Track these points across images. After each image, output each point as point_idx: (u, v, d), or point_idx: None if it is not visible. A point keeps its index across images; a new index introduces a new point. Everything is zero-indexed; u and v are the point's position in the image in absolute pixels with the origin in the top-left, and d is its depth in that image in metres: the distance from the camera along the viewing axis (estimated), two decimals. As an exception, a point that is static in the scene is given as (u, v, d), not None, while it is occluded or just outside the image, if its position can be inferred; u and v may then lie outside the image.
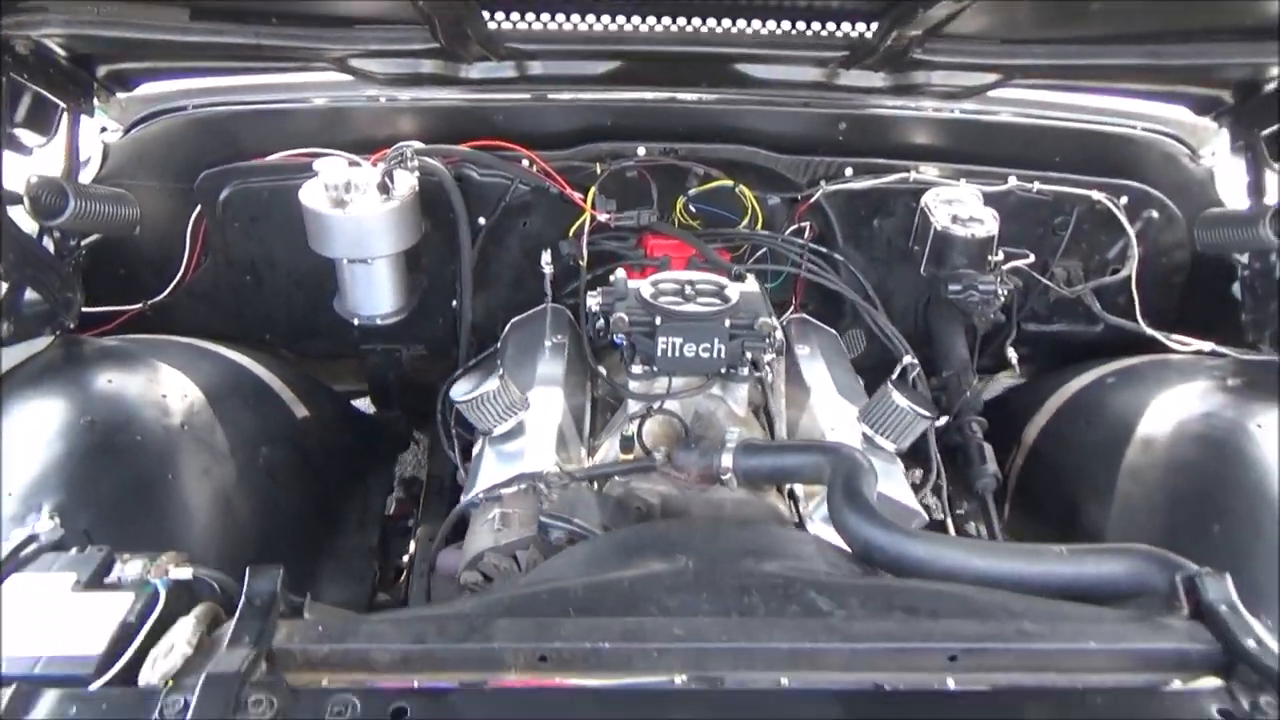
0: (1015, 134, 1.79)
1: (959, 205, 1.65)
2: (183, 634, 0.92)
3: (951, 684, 0.84)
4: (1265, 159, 1.56)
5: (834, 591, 0.95)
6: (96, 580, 0.97)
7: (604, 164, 1.70)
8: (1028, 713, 0.83)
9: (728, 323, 1.40)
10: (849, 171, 1.74)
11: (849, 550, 1.11)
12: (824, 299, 1.87)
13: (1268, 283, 1.58)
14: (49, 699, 0.79)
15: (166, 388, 1.48)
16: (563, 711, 0.81)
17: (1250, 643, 0.86)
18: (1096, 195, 1.74)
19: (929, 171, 1.74)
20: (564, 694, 0.83)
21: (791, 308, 1.86)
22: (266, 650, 0.82)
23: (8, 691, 0.81)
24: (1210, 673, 0.86)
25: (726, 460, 1.29)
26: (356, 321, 1.67)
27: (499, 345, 1.72)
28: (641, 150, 1.71)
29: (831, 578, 1.01)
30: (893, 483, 1.38)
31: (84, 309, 1.64)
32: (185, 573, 0.99)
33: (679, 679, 0.82)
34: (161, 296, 1.76)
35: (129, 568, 1.00)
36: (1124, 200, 1.75)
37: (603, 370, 1.56)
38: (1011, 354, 1.80)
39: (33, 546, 1.02)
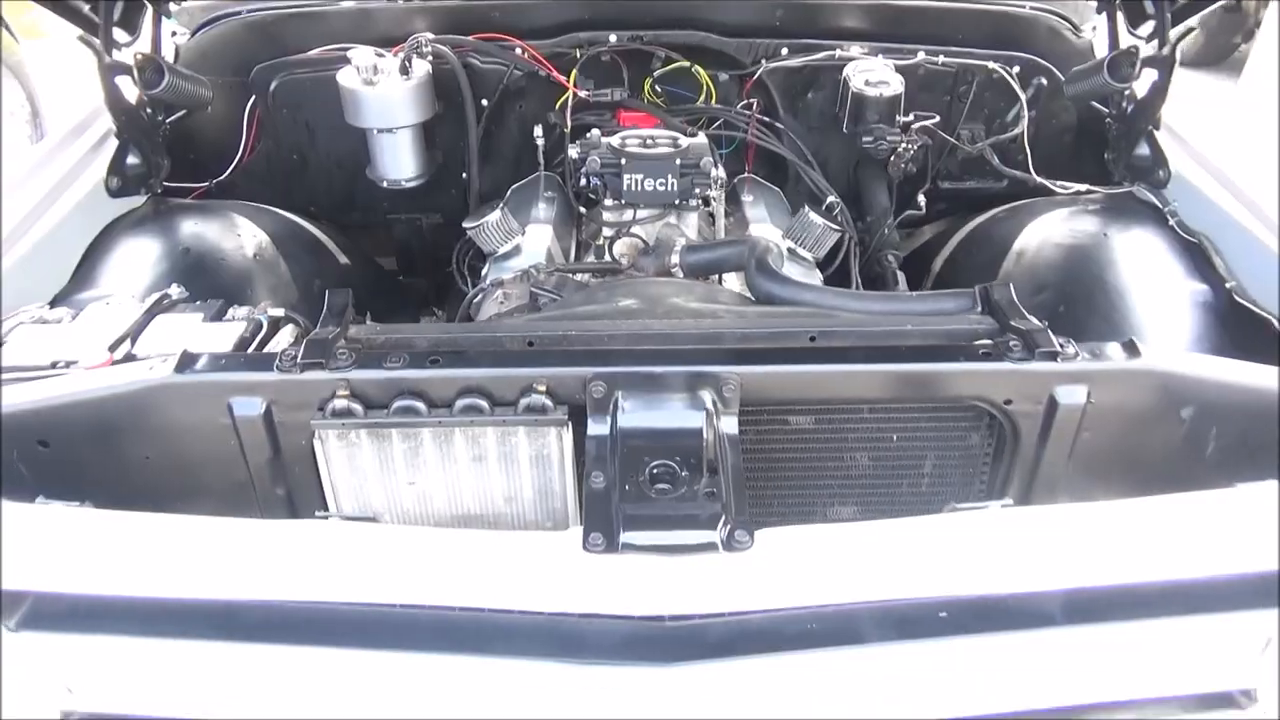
0: (924, 16, 2.14)
1: (872, 73, 2.01)
2: (284, 339, 1.33)
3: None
4: (1116, 18, 1.92)
5: (736, 311, 1.34)
6: (217, 317, 1.38)
7: (583, 50, 2.08)
8: (856, 358, 1.22)
9: (678, 162, 1.79)
10: (785, 51, 2.10)
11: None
12: (771, 166, 2.24)
13: (1120, 124, 1.94)
14: (204, 360, 1.19)
15: (240, 230, 1.88)
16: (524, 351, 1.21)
17: (1016, 322, 1.25)
18: (992, 65, 2.09)
19: (852, 49, 2.10)
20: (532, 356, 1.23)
21: (744, 172, 2.24)
22: (344, 330, 1.22)
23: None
24: (988, 337, 1.25)
25: (675, 258, 1.68)
26: (385, 184, 2.06)
27: (502, 205, 2.11)
28: (613, 38, 2.08)
29: (736, 306, 1.41)
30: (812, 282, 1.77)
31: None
32: (279, 311, 1.40)
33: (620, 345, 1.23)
34: (224, 175, 2.15)
35: (238, 312, 1.41)
36: (1016, 69, 2.10)
37: (583, 209, 1.95)
38: (921, 200, 2.17)
39: (166, 300, 1.42)
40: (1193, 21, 1.82)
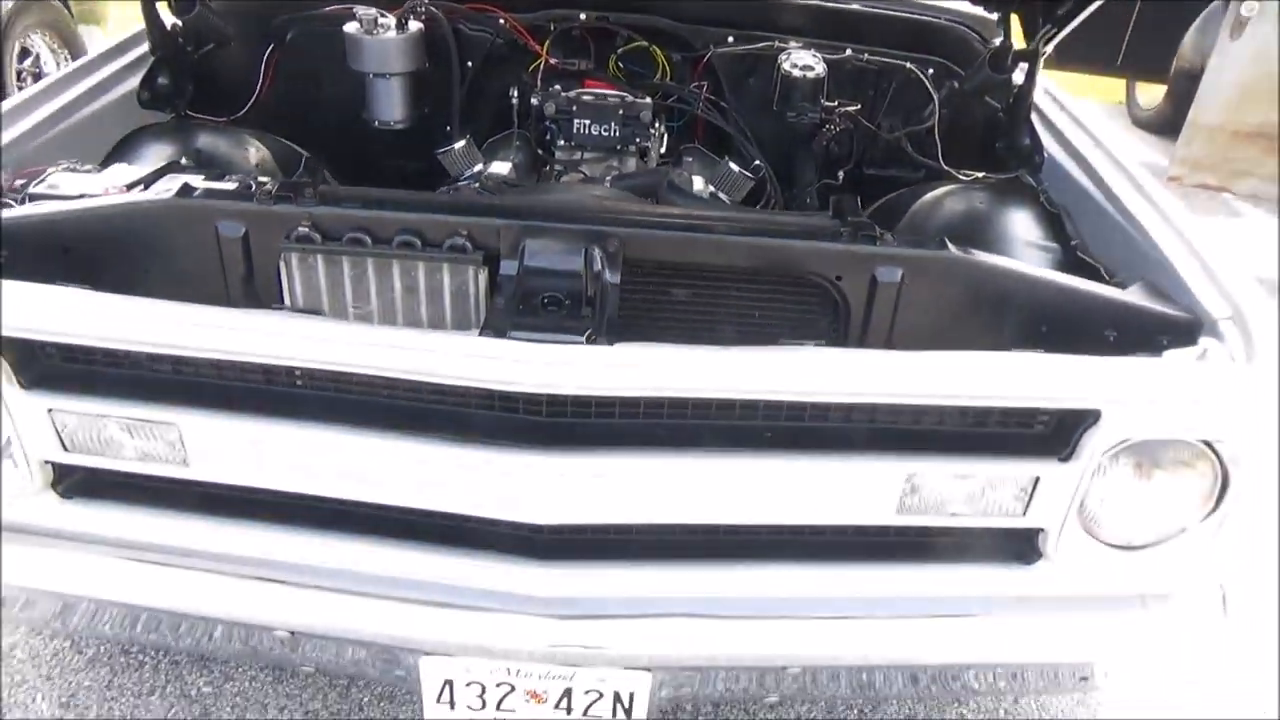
0: (854, 19, 2.48)
1: (802, 61, 2.34)
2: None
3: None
4: (1010, 26, 2.24)
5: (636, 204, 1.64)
6: (217, 179, 1.69)
7: (556, 24, 2.41)
8: (721, 231, 1.50)
9: (621, 112, 2.11)
10: (731, 39, 2.43)
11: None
12: (716, 142, 2.55)
13: (1006, 115, 2.25)
14: (199, 191, 1.49)
15: (249, 148, 2.19)
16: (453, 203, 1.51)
17: (852, 219, 1.54)
18: (910, 66, 2.42)
19: (790, 43, 2.43)
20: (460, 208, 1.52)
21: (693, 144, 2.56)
22: (314, 181, 1.53)
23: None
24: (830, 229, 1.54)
25: (607, 185, 1.99)
26: (376, 123, 2.38)
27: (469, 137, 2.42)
28: (583, 15, 2.41)
29: (638, 204, 1.71)
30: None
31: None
32: (266, 180, 1.70)
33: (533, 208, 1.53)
34: (241, 112, 2.48)
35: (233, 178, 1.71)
36: (930, 71, 2.42)
37: (539, 151, 2.27)
38: (840, 175, 2.48)
39: (176, 164, 1.73)
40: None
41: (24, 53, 4.27)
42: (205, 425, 1.39)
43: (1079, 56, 7.16)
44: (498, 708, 1.58)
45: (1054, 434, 1.42)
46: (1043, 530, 1.48)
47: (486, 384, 1.29)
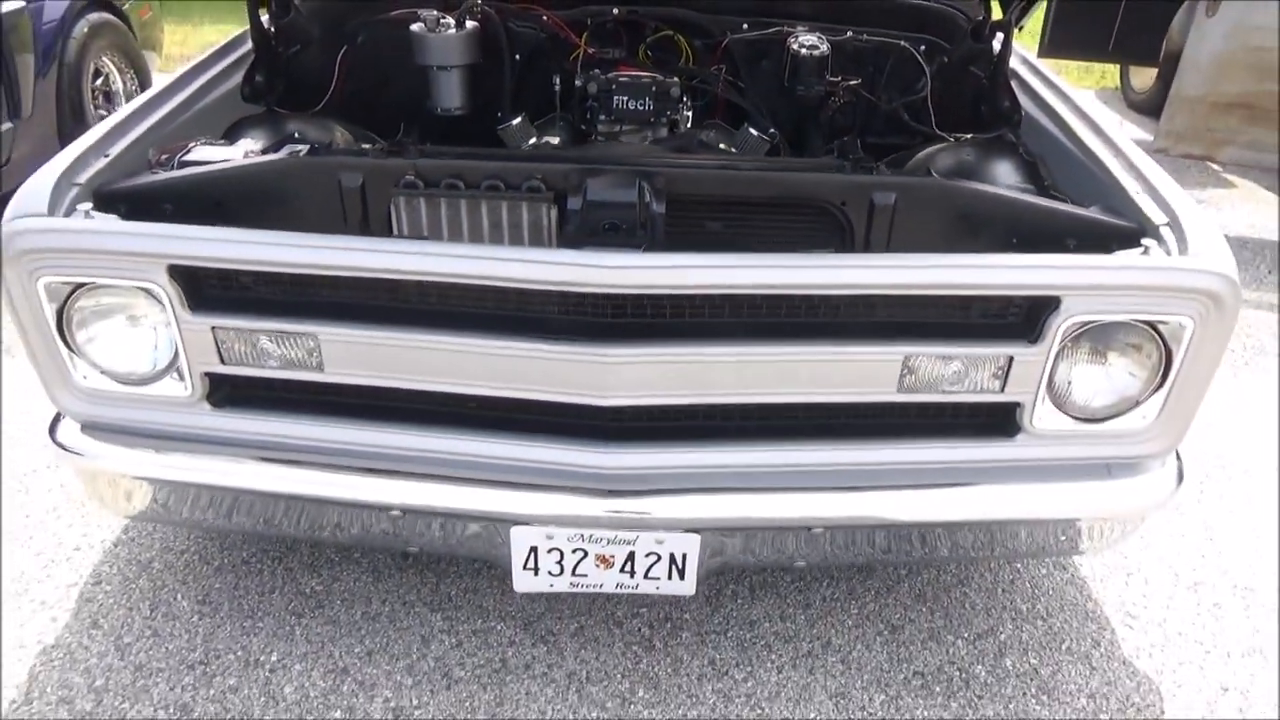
0: (854, 4, 2.81)
1: (808, 41, 2.68)
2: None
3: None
4: (988, 3, 2.57)
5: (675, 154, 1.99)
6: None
7: (592, 19, 2.76)
8: (747, 169, 1.84)
9: (654, 89, 2.45)
10: (745, 26, 2.78)
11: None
12: (734, 118, 2.89)
13: (988, 80, 2.58)
14: (325, 152, 1.84)
15: (334, 133, 2.54)
16: (529, 154, 1.86)
17: (854, 157, 1.87)
18: (904, 44, 2.75)
19: (798, 28, 2.77)
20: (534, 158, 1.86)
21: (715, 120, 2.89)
22: (415, 141, 1.88)
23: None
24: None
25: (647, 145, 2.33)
26: (439, 110, 2.74)
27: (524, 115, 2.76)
28: (615, 10, 2.76)
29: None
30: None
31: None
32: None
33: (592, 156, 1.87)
34: (319, 106, 2.84)
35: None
36: (922, 48, 2.75)
37: (582, 127, 2.61)
38: (844, 140, 2.81)
39: (290, 140, 2.08)
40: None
41: (96, 73, 4.68)
42: (338, 334, 1.73)
43: (1074, 45, 7.60)
44: (573, 572, 1.91)
45: (1024, 321, 1.74)
46: (1020, 405, 1.80)
47: (562, 287, 1.63)
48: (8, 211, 1.75)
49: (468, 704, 2.00)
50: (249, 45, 2.56)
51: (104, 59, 4.73)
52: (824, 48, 2.64)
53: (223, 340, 1.77)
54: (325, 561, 2.35)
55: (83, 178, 1.85)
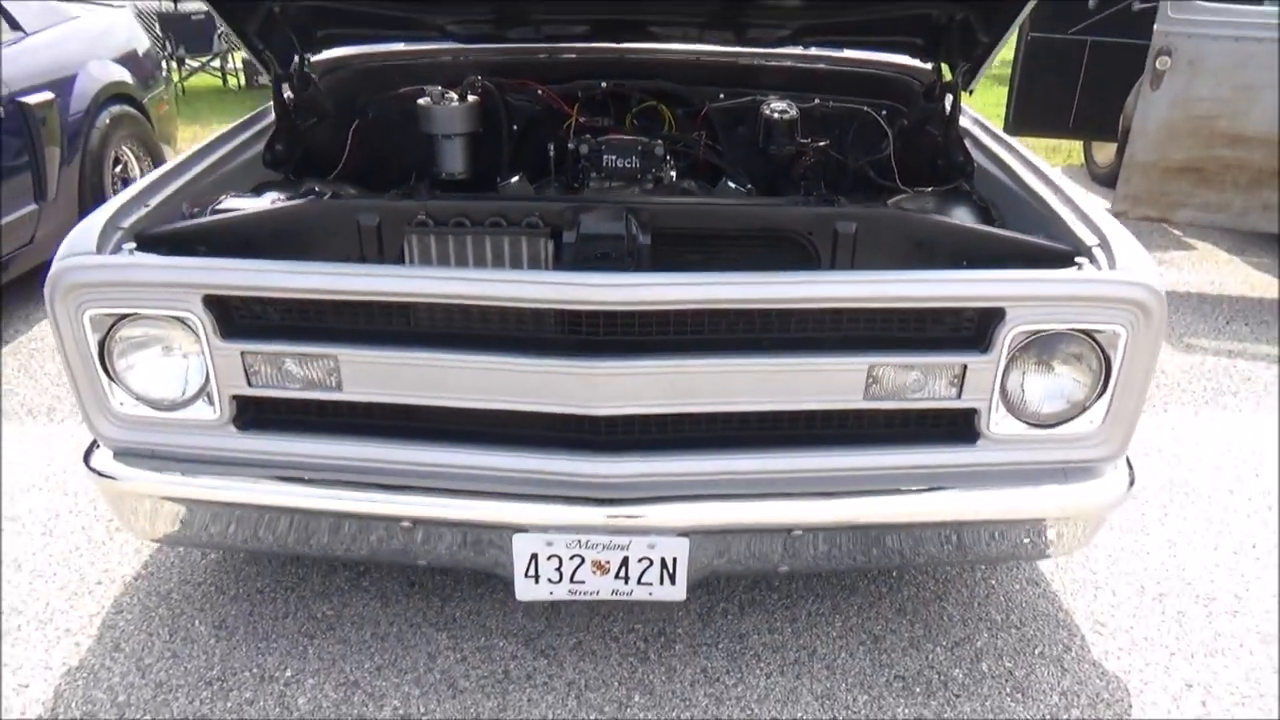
0: (820, 75, 3.10)
1: (779, 107, 2.94)
2: (386, 201, 2.20)
3: None
4: (939, 70, 2.85)
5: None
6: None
7: (583, 92, 3.03)
8: (725, 207, 2.05)
9: (640, 148, 2.70)
10: (722, 96, 3.05)
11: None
12: (715, 178, 3.14)
13: (943, 137, 2.83)
14: (345, 198, 2.06)
15: (348, 191, 2.78)
16: (529, 198, 2.08)
17: (818, 194, 2.10)
18: (867, 109, 3.02)
19: (770, 96, 3.04)
20: (532, 199, 2.08)
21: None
22: (426, 188, 2.10)
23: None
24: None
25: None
26: (444, 175, 2.98)
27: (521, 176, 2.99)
28: (604, 84, 3.04)
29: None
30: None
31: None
32: (381, 195, 2.28)
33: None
34: (334, 174, 3.08)
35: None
36: (883, 112, 3.02)
37: (575, 185, 2.85)
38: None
39: (313, 191, 2.30)
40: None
41: (115, 160, 4.97)
42: (356, 356, 1.91)
43: (1037, 123, 7.98)
44: (571, 579, 2.05)
45: (975, 333, 1.94)
46: (977, 411, 1.98)
47: (557, 305, 1.82)
48: (59, 252, 1.95)
49: (472, 710, 2.11)
50: (271, 118, 2.81)
51: (124, 148, 5.03)
52: (794, 112, 2.91)
53: (250, 364, 1.95)
54: (336, 589, 2.48)
55: (125, 223, 2.06)
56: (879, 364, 1.91)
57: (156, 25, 11.05)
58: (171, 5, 11.92)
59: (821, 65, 3.12)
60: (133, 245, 2.00)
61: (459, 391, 1.94)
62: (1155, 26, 4.50)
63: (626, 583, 2.05)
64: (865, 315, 1.92)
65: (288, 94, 2.78)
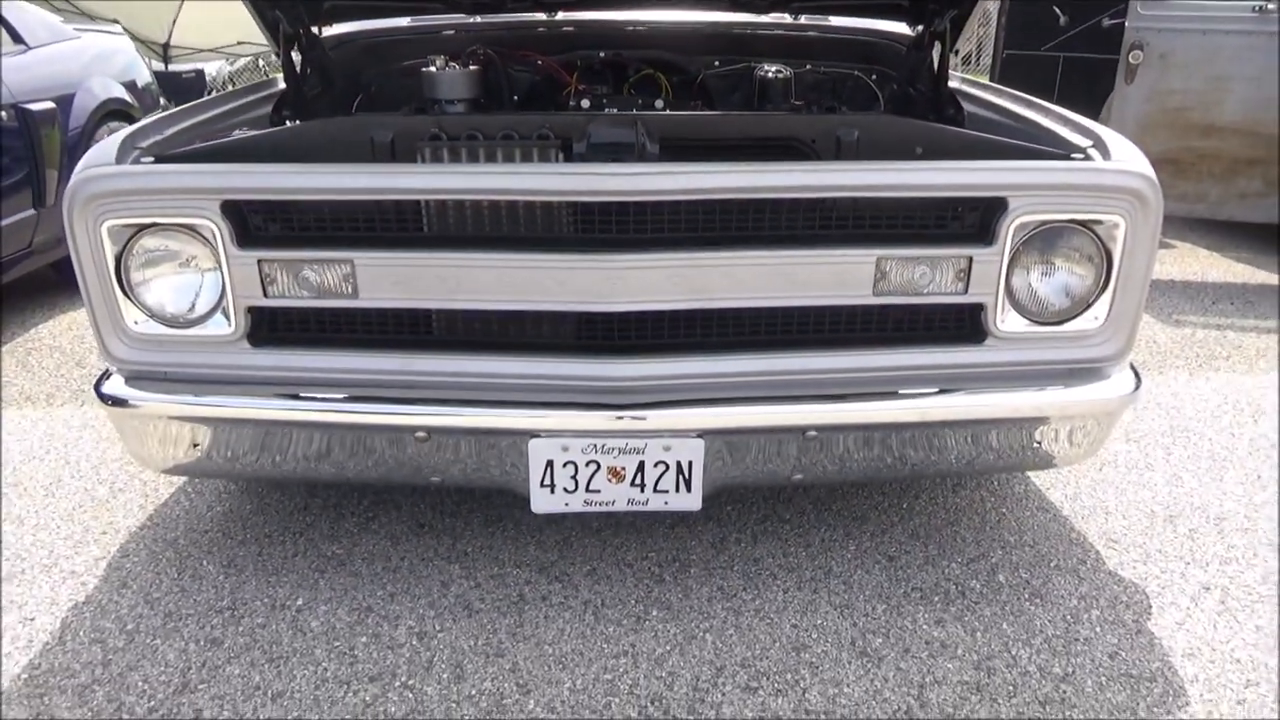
0: (813, 40, 3.20)
1: (773, 69, 3.04)
2: (397, 127, 2.26)
3: None
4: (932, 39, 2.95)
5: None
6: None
7: (582, 61, 3.12)
8: (718, 120, 2.11)
9: (640, 103, 2.77)
10: (717, 64, 3.15)
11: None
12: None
13: (931, 92, 2.93)
14: (355, 115, 2.10)
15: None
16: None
17: (825, 103, 2.16)
18: (858, 72, 3.12)
19: (764, 63, 3.14)
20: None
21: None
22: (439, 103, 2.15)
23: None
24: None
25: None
26: (447, 141, 3.04)
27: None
28: (602, 54, 3.13)
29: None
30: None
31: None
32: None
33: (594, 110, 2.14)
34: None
35: (367, 131, 2.34)
36: (874, 76, 3.12)
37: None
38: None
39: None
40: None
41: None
42: (372, 259, 1.93)
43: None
44: (587, 488, 2.04)
45: (979, 227, 1.98)
46: (983, 307, 2.01)
47: (571, 197, 1.85)
48: (78, 166, 1.97)
49: (489, 628, 2.08)
50: (280, 85, 2.87)
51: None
52: (787, 72, 3.00)
53: (266, 273, 1.97)
54: (345, 532, 2.45)
55: (144, 143, 2.09)
56: (886, 256, 1.95)
57: (149, 81, 11.23)
58: (163, 65, 12.18)
59: (812, 33, 3.23)
60: (151, 159, 2.03)
61: (474, 293, 1.95)
62: (1126, 23, 4.68)
63: (642, 490, 2.05)
64: (871, 210, 1.97)
65: (296, 57, 2.85)
